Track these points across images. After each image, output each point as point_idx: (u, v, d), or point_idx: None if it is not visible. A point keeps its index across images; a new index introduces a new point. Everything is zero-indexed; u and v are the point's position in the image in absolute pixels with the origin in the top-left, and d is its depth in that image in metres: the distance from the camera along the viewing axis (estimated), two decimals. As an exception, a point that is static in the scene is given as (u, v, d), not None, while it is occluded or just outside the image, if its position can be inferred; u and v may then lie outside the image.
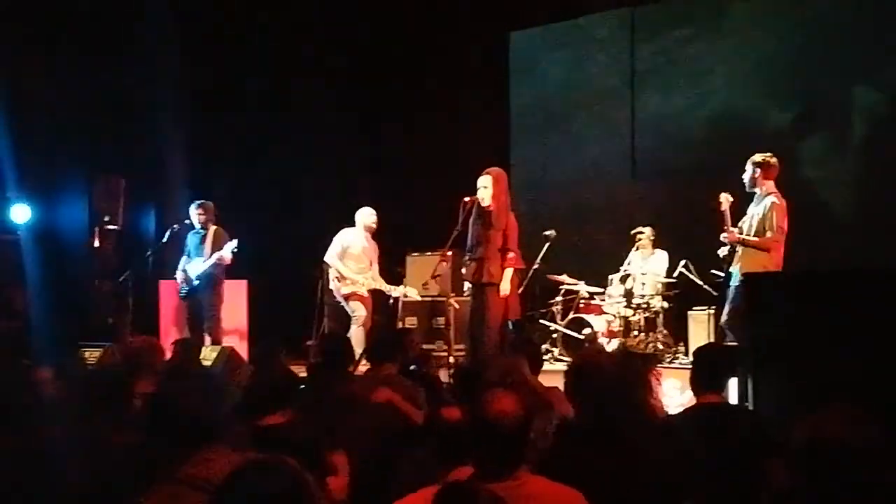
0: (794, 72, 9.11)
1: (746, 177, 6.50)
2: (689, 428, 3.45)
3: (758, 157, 6.47)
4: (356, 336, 7.82)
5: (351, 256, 8.19)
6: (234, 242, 8.13)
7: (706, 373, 3.70)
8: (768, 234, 6.34)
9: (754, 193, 6.53)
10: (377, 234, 8.35)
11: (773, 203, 6.35)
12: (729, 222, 6.49)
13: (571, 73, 10.63)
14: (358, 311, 8.11)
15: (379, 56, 10.75)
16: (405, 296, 8.36)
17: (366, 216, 8.26)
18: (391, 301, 8.77)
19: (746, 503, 3.10)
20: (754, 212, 6.48)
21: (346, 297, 8.15)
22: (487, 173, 6.86)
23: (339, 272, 8.16)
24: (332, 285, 8.25)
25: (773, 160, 6.47)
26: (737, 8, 9.58)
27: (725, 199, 6.54)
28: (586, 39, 10.53)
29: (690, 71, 9.82)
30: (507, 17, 10.64)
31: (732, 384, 4.71)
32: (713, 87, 9.67)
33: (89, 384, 3.82)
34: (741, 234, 6.47)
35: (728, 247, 6.55)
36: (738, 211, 6.61)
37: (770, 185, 6.45)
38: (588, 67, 10.49)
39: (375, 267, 8.29)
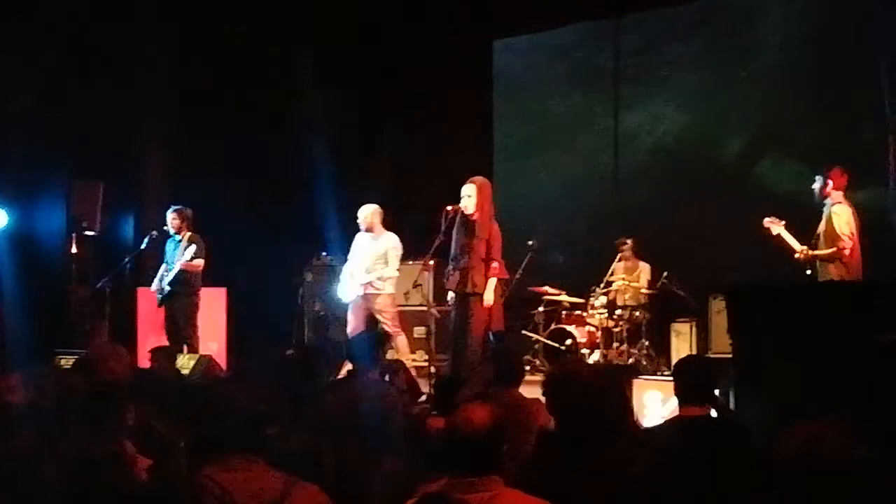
0: (777, 87, 9.16)
1: (816, 187, 6.49)
2: (669, 440, 3.42)
3: (825, 169, 6.47)
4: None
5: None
6: (193, 248, 7.88)
7: (686, 385, 3.67)
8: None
9: (824, 205, 6.49)
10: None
11: (833, 213, 6.35)
12: (793, 242, 6.47)
13: (554, 82, 10.62)
14: None
15: (363, 65, 10.71)
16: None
17: None
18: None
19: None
20: (821, 225, 6.47)
21: None
22: (471, 182, 6.82)
23: None
24: None
25: (839, 170, 6.44)
26: (719, 21, 9.62)
27: (770, 223, 6.54)
28: (569, 50, 10.53)
29: (674, 82, 9.84)
30: (490, 26, 10.62)
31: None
32: (697, 99, 9.70)
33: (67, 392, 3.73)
34: (812, 249, 6.43)
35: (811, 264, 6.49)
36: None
37: (837, 195, 6.42)
38: (571, 77, 10.49)
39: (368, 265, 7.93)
